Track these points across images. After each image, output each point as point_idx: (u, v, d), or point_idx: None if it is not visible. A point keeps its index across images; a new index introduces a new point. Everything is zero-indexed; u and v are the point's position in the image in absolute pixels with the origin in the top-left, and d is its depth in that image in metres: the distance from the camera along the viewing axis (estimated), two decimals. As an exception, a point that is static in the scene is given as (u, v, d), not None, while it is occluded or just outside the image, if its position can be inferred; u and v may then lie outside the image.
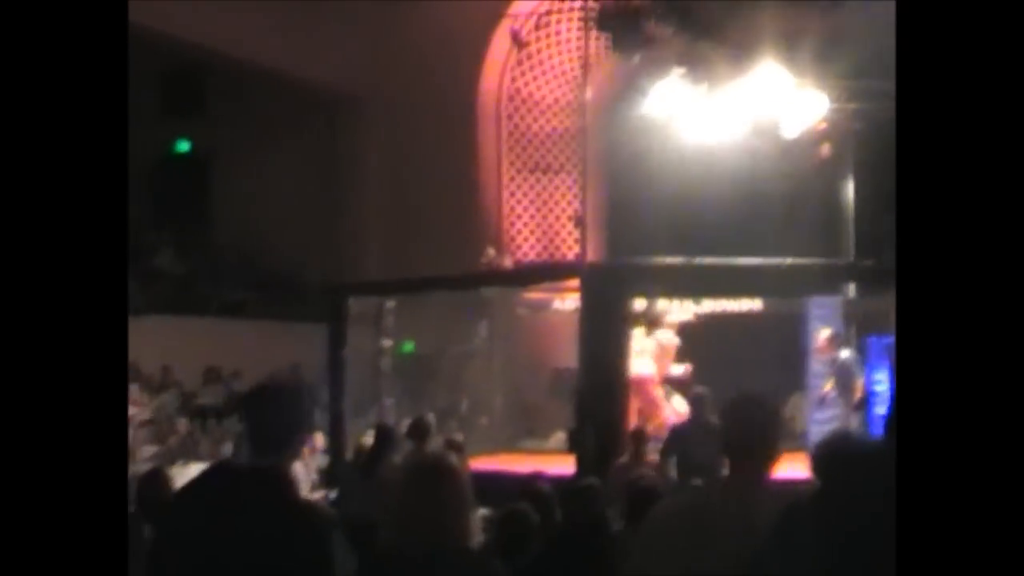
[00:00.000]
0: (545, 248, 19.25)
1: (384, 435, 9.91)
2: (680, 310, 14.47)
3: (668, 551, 3.24)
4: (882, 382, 12.78)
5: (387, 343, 14.26)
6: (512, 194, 19.22)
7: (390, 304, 14.16)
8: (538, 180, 19.34)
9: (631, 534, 5.35)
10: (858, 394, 11.99)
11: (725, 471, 3.40)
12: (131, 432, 12.65)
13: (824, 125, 14.07)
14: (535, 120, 19.33)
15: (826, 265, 14.08)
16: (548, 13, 18.84)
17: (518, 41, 17.97)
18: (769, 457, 3.29)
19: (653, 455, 10.29)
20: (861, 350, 13.03)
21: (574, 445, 11.28)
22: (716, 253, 13.44)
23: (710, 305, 15.30)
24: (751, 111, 13.42)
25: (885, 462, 2.46)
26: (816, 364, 13.55)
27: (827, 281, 14.04)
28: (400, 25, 18.15)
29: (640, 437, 10.11)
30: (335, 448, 12.74)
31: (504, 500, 5.72)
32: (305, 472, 10.93)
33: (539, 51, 19.03)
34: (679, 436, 10.20)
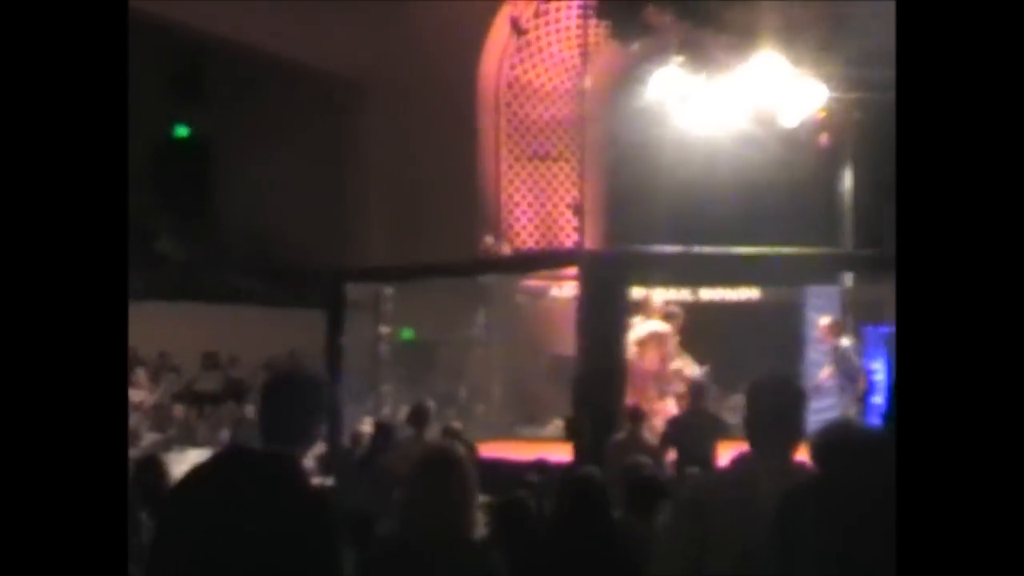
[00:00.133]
0: (543, 236, 19.25)
1: (383, 431, 9.96)
2: (675, 296, 14.50)
3: (688, 536, 3.24)
4: (879, 371, 12.81)
5: (385, 330, 14.28)
6: (511, 182, 19.21)
7: (389, 291, 14.17)
8: (536, 168, 19.33)
9: (634, 523, 5.39)
10: (862, 383, 11.98)
11: (722, 460, 3.41)
12: (130, 418, 12.66)
13: (823, 114, 14.07)
14: (534, 108, 19.31)
15: (824, 254, 14.09)
16: (548, 1, 18.82)
17: (518, 29, 17.98)
18: (793, 438, 3.28)
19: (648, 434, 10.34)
20: (858, 339, 13.06)
21: (572, 433, 11.28)
22: (714, 242, 13.44)
23: (708, 294, 15.34)
24: (750, 100, 13.42)
25: (885, 450, 2.47)
26: (813, 353, 13.59)
27: (825, 270, 14.07)
28: (401, 13, 18.12)
29: (637, 415, 10.11)
30: (332, 435, 12.75)
31: (502, 487, 5.73)
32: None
33: (538, 39, 19.02)
34: (678, 426, 10.21)
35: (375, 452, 9.48)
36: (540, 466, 7.62)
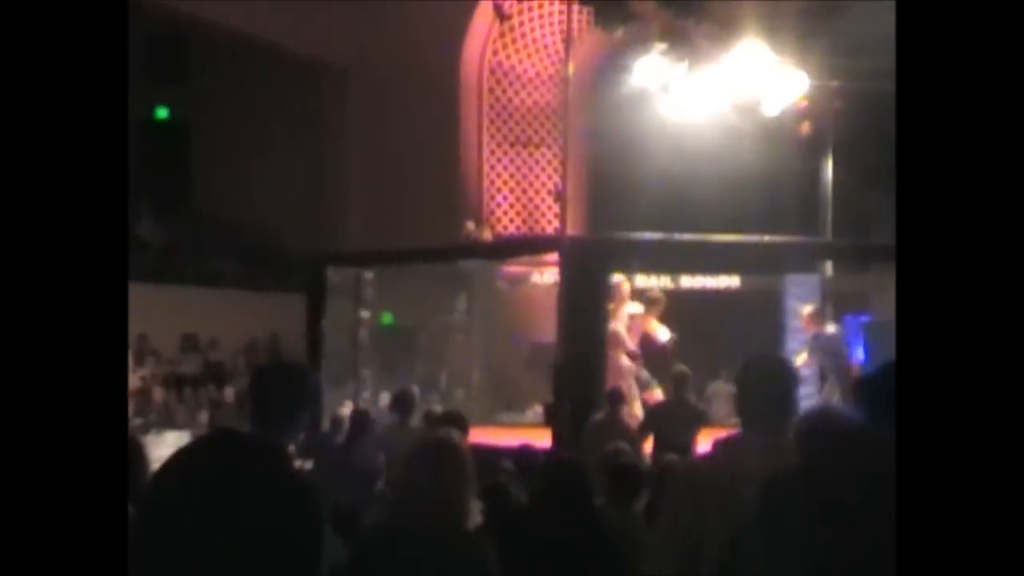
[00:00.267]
0: (524, 222, 19.25)
1: (359, 419, 9.92)
2: (656, 283, 14.53)
3: (686, 520, 3.24)
4: (857, 359, 12.89)
5: (365, 314, 14.26)
6: (493, 167, 19.19)
7: (369, 276, 14.15)
8: (518, 154, 19.32)
9: (614, 510, 5.41)
10: (851, 370, 12.01)
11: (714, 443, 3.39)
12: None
13: (805, 103, 14.10)
14: (516, 94, 19.29)
15: (804, 243, 14.14)
16: (531, -13, 18.81)
17: (501, 14, 17.93)
18: (785, 418, 3.28)
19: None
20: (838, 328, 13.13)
21: (551, 418, 11.32)
22: (695, 229, 13.47)
23: (689, 281, 15.37)
24: (732, 88, 13.44)
25: (866, 437, 2.48)
26: (793, 341, 13.65)
27: (805, 259, 14.12)
28: (383, -3, 18.10)
29: (616, 397, 10.14)
30: (313, 420, 12.73)
31: (481, 474, 5.73)
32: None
33: (521, 24, 18.98)
34: (657, 415, 10.25)
35: (352, 439, 9.45)
36: (524, 452, 7.62)
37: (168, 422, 14.04)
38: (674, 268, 14.97)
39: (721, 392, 15.28)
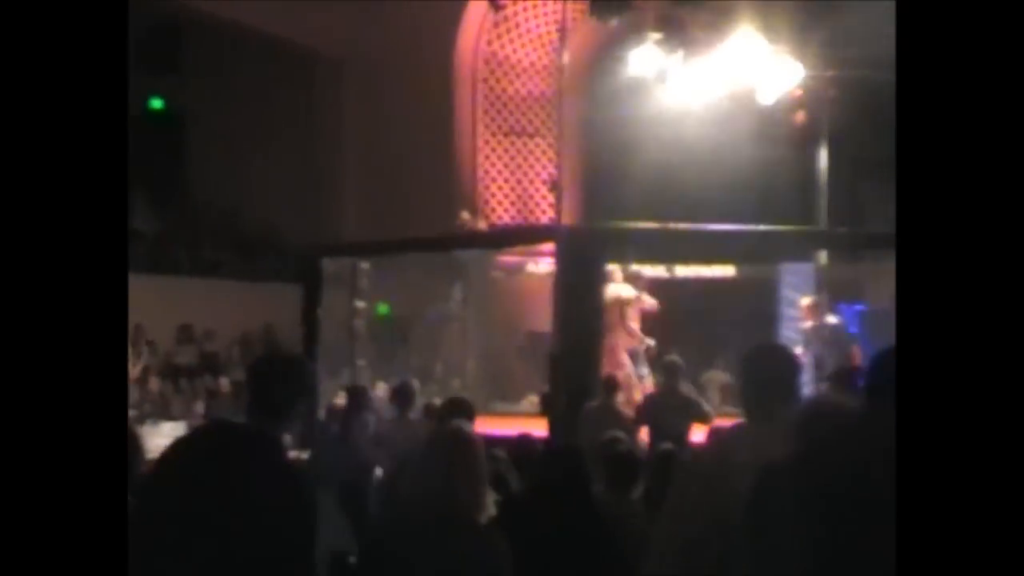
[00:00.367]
0: (519, 212, 19.25)
1: (356, 395, 9.92)
2: (651, 272, 14.55)
3: (693, 509, 3.25)
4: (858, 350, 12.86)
5: (361, 305, 14.25)
6: (487, 157, 19.19)
7: (365, 266, 14.14)
8: (513, 144, 19.31)
9: (612, 498, 5.43)
10: (856, 361, 11.96)
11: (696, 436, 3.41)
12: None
13: (799, 92, 14.12)
14: (511, 83, 19.28)
15: (799, 232, 14.16)
16: (525, -24, 18.79)
17: (495, 4, 17.91)
18: (788, 405, 3.28)
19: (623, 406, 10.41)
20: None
21: (547, 408, 11.33)
22: (690, 219, 13.48)
23: (684, 271, 15.41)
24: (727, 77, 13.45)
25: (867, 425, 2.48)
26: (787, 331, 13.67)
27: (800, 248, 14.14)
28: (378, -13, 18.07)
29: (611, 384, 10.16)
30: (309, 410, 12.74)
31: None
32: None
33: (516, 14, 18.97)
34: (651, 405, 10.26)
35: (349, 417, 9.46)
36: (523, 442, 7.64)
37: (164, 412, 14.05)
38: (669, 257, 14.99)
39: (716, 381, 15.33)
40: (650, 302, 13.11)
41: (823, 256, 14.49)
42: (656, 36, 13.59)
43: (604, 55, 15.75)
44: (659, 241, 13.38)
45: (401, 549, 3.15)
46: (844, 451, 2.70)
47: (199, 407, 14.79)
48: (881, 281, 15.16)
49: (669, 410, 9.72)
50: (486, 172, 19.12)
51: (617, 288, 12.80)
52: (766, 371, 3.36)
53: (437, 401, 10.56)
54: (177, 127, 21.37)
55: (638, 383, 12.58)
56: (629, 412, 10.31)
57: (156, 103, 21.34)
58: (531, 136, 19.24)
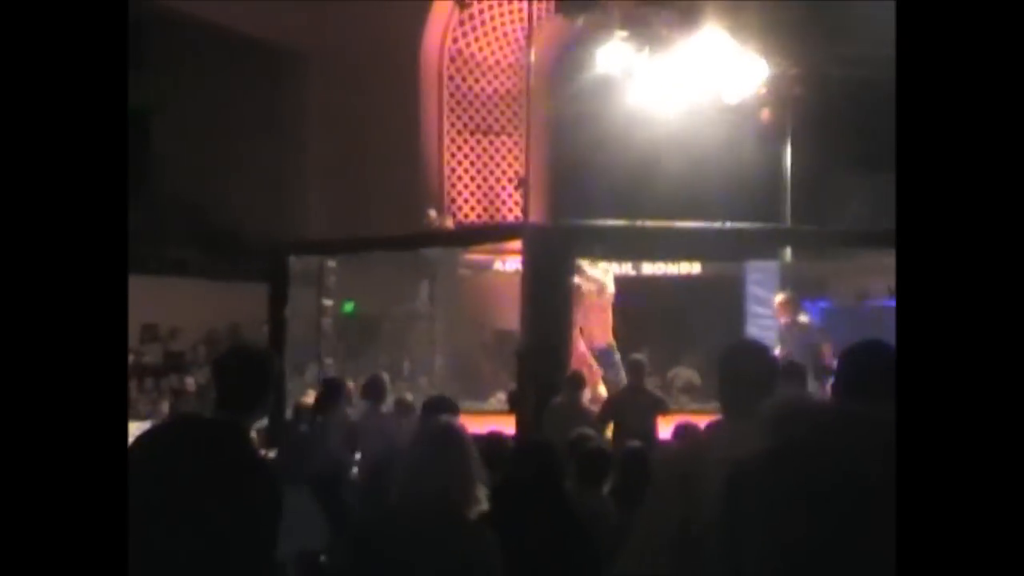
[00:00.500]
0: (486, 210, 19.26)
1: (333, 389, 9.91)
2: (618, 269, 14.58)
3: (673, 510, 3.25)
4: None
5: (328, 303, 14.20)
6: (453, 155, 19.19)
7: (332, 264, 14.09)
8: (479, 142, 19.32)
9: (584, 494, 5.45)
10: (827, 359, 11.99)
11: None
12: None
13: (764, 90, 14.20)
14: (476, 81, 19.28)
15: (765, 229, 14.24)
16: (491, -27, 18.79)
17: (461, 2, 17.89)
18: (766, 402, 3.28)
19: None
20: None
21: (515, 405, 11.34)
22: (656, 216, 13.53)
23: (650, 268, 15.46)
24: (693, 75, 13.51)
25: (842, 421, 2.49)
26: (754, 327, 13.74)
27: (766, 245, 14.22)
28: (344, -17, 18.01)
29: (575, 381, 10.17)
30: (275, 407, 12.69)
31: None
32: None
33: (481, 12, 18.96)
34: (616, 403, 10.28)
35: (324, 409, 9.46)
36: (492, 439, 7.65)
37: (131, 412, 13.95)
38: (636, 255, 15.03)
39: (682, 377, 15.40)
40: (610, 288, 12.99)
41: (787, 253, 14.58)
42: (622, 34, 13.64)
43: (571, 53, 15.80)
44: (626, 238, 13.41)
45: (390, 544, 3.14)
46: (818, 447, 2.70)
47: (165, 407, 14.69)
48: (844, 278, 15.29)
49: (634, 407, 9.75)
50: (453, 170, 19.12)
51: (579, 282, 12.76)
52: (743, 368, 3.37)
53: (409, 396, 10.57)
54: (142, 124, 21.20)
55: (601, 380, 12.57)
56: (594, 409, 10.32)
57: (120, 100, 21.14)
58: (497, 134, 19.26)
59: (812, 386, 11.70)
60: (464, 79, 19.19)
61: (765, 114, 14.77)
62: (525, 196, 12.65)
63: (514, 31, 18.70)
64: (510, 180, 18.86)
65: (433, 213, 16.38)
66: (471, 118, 19.24)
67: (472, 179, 19.25)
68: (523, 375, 11.47)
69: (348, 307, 15.31)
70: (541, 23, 15.91)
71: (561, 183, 18.01)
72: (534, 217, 13.75)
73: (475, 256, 15.79)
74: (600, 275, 12.90)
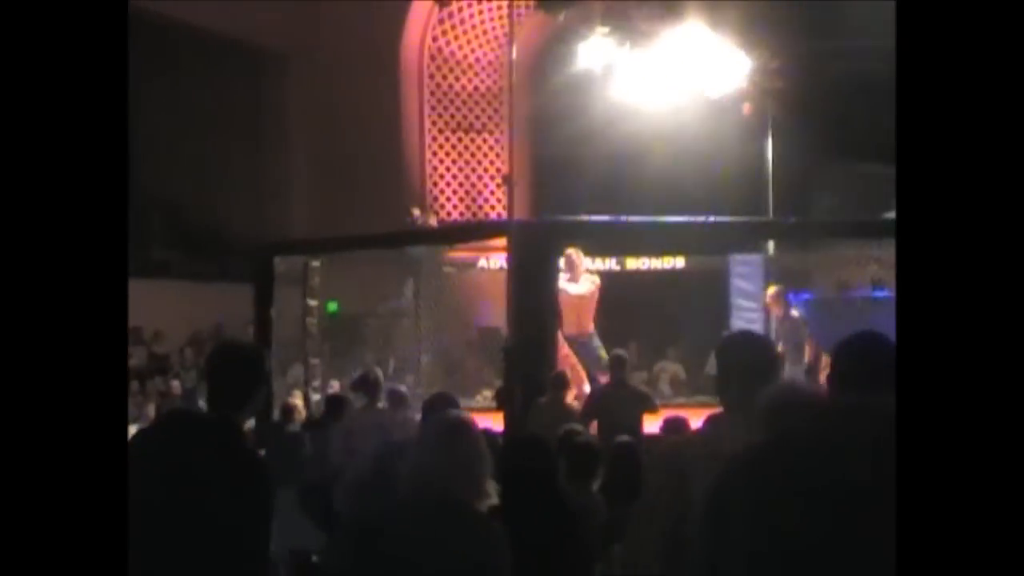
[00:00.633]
0: (468, 207, 19.27)
1: (335, 403, 9.98)
2: (602, 265, 14.61)
3: (673, 504, 3.24)
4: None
5: (313, 303, 14.18)
6: (435, 153, 19.19)
7: (316, 264, 14.07)
8: (460, 140, 19.32)
9: (574, 489, 5.47)
10: (810, 352, 12.02)
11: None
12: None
13: (746, 84, 14.24)
14: (457, 79, 19.29)
15: (748, 222, 14.28)
16: (470, -29, 18.79)
17: (440, 0, 17.88)
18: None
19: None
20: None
21: (502, 402, 11.34)
22: (639, 211, 13.56)
23: (634, 263, 15.49)
24: (675, 70, 13.54)
25: (837, 411, 2.48)
26: (739, 320, 13.79)
27: (749, 238, 14.27)
28: (322, -18, 17.99)
29: (559, 382, 10.17)
30: (264, 406, 12.65)
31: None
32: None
33: (461, 10, 18.96)
34: (599, 399, 10.28)
35: (326, 422, 9.53)
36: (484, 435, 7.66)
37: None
38: (621, 250, 15.06)
39: (668, 371, 15.45)
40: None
41: (771, 246, 14.63)
42: (604, 30, 13.65)
43: (552, 49, 15.82)
44: (611, 234, 13.43)
45: (399, 540, 3.13)
46: (813, 439, 2.69)
47: (151, 410, 14.65)
48: (826, 270, 15.35)
49: (618, 402, 9.75)
50: (435, 168, 19.13)
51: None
52: (743, 359, 3.36)
53: (402, 388, 10.59)
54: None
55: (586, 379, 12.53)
56: (578, 406, 10.32)
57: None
58: (479, 132, 19.28)
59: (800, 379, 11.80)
60: (445, 77, 19.20)
61: (747, 108, 14.82)
62: (510, 193, 12.63)
63: (494, 28, 18.71)
64: (492, 177, 18.90)
65: (416, 211, 16.38)
66: (452, 116, 19.25)
67: (454, 177, 19.27)
68: (510, 372, 11.47)
69: (332, 307, 15.28)
70: (521, 20, 15.91)
71: (544, 179, 18.04)
72: (518, 214, 13.75)
73: (459, 254, 15.80)
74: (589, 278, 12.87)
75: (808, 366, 11.66)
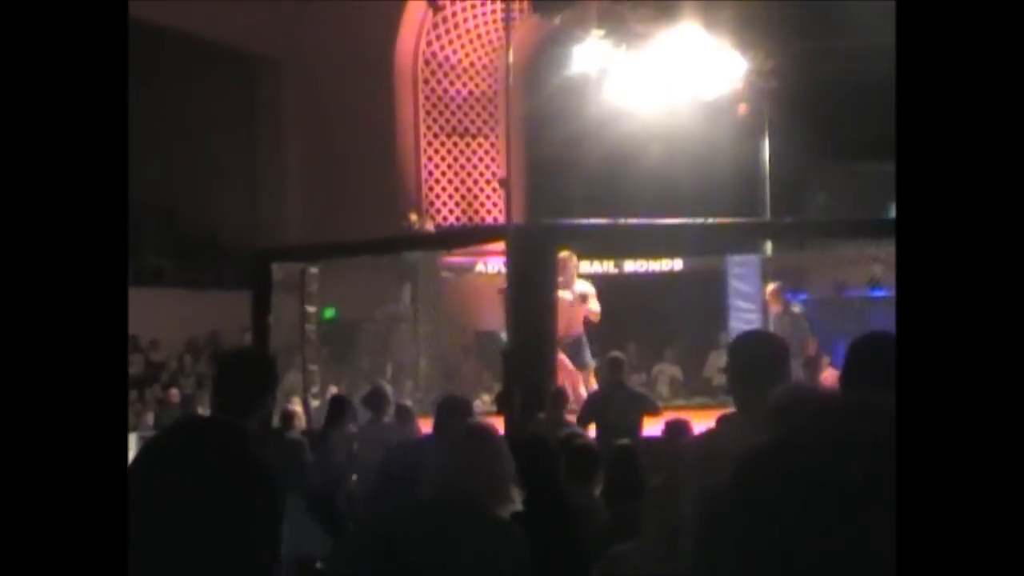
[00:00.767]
0: (464, 212, 19.26)
1: (339, 407, 9.96)
2: (599, 268, 14.62)
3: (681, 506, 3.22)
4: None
5: (311, 309, 14.15)
6: (431, 158, 19.18)
7: (313, 270, 14.04)
8: (455, 144, 19.32)
9: (575, 491, 5.45)
10: (811, 350, 12.00)
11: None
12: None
13: (741, 85, 14.24)
14: (452, 84, 19.28)
15: (745, 223, 14.29)
16: (464, -25, 18.80)
17: (433, 4, 17.89)
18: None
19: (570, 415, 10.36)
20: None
21: (502, 406, 11.32)
22: (635, 213, 13.55)
23: (632, 265, 15.50)
24: (670, 72, 13.54)
25: (845, 410, 2.48)
26: (736, 321, 13.78)
27: (746, 239, 14.27)
28: (316, -13, 17.98)
29: (559, 397, 10.12)
30: (268, 412, 12.61)
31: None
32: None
33: (454, 14, 18.96)
34: (595, 402, 10.23)
35: (329, 425, 9.52)
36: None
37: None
38: (619, 252, 15.07)
39: (666, 373, 15.44)
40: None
41: (768, 247, 14.63)
42: (599, 32, 13.65)
43: (547, 52, 15.82)
44: (609, 236, 13.42)
45: (418, 543, 3.11)
46: (817, 437, 2.68)
47: (149, 418, 14.63)
48: (822, 270, 15.37)
49: (616, 404, 9.71)
50: (430, 173, 19.12)
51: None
52: (754, 359, 3.33)
53: (408, 403, 10.57)
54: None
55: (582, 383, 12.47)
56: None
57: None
58: (474, 136, 19.27)
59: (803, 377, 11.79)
60: (439, 82, 19.20)
61: (742, 109, 14.82)
62: (507, 197, 12.62)
63: (487, 32, 18.71)
64: (488, 181, 18.89)
65: (413, 216, 16.38)
66: (447, 120, 19.25)
67: (450, 181, 19.26)
68: (509, 375, 11.45)
69: (329, 313, 15.26)
70: (516, 23, 15.91)
71: (539, 182, 18.04)
72: (514, 217, 13.74)
73: (456, 258, 15.80)
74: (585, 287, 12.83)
75: (806, 360, 11.63)
